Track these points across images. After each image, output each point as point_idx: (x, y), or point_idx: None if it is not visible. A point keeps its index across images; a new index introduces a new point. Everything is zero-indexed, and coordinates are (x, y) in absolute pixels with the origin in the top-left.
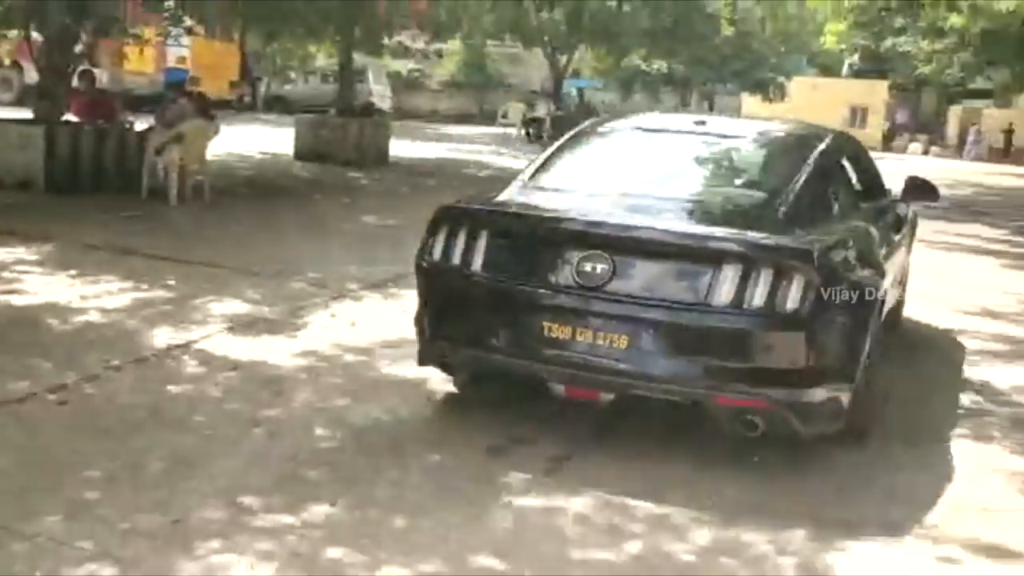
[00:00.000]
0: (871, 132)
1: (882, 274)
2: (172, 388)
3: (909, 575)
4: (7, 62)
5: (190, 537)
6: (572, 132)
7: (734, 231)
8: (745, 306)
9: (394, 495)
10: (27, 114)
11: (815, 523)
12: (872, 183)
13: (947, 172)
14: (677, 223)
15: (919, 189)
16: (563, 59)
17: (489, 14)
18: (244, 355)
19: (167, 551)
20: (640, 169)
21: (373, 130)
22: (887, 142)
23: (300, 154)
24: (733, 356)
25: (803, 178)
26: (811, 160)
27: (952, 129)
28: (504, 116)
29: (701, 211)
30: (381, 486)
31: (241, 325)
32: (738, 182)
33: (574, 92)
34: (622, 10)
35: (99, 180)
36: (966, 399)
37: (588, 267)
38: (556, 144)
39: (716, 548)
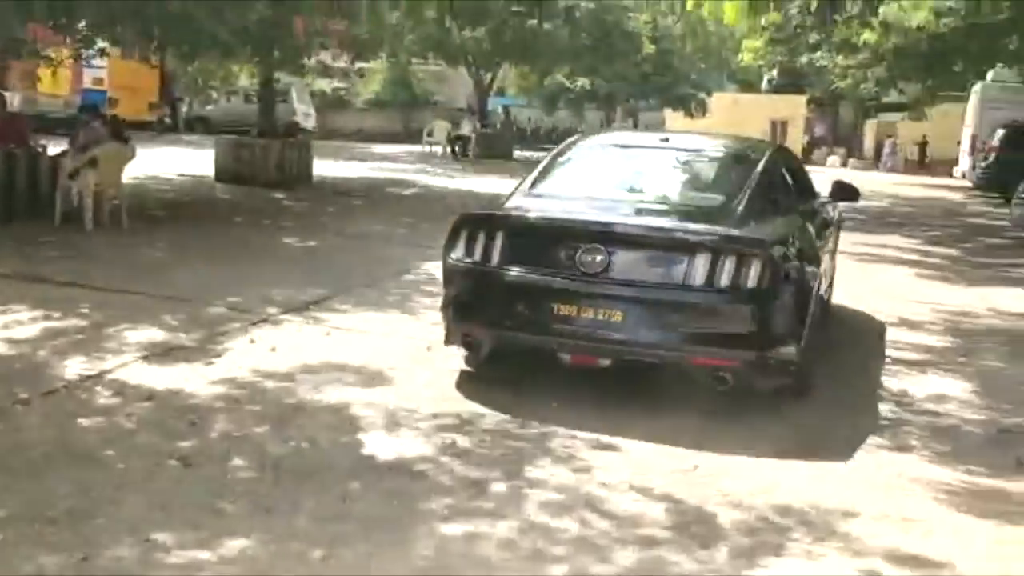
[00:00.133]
0: (791, 145)
1: (819, 260)
2: (83, 421)
3: None
4: None
5: None
6: (557, 149)
7: (704, 226)
8: (715, 285)
9: (314, 526)
10: None
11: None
12: (805, 187)
13: (864, 183)
14: (658, 221)
15: (843, 191)
16: (487, 77)
17: (411, 33)
18: (160, 384)
19: None
20: (620, 178)
21: (295, 150)
22: (807, 155)
23: (221, 176)
24: (707, 325)
25: (753, 183)
26: (758, 169)
27: (869, 141)
28: (429, 134)
29: (675, 211)
30: (300, 517)
31: (157, 353)
32: (702, 187)
33: (500, 109)
34: (543, 29)
35: (10, 206)
36: (885, 409)
37: (588, 258)
38: (546, 159)
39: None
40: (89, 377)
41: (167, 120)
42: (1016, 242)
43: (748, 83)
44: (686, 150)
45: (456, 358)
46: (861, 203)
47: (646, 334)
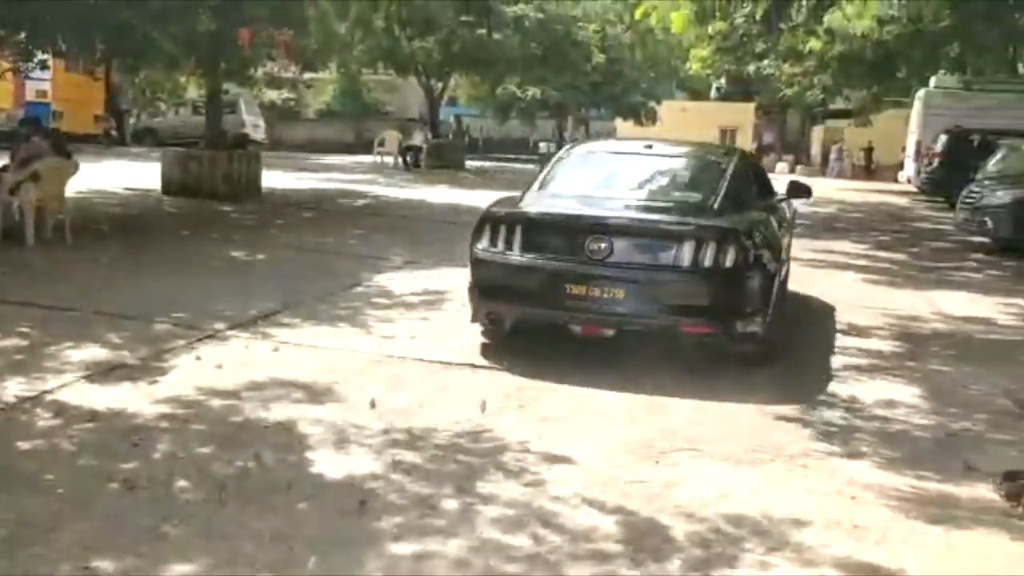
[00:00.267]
0: None
1: (780, 247)
2: (22, 444)
3: None
4: None
5: None
6: (558, 155)
7: (688, 219)
8: (699, 266)
9: (260, 549)
10: None
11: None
12: (766, 186)
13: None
14: (650, 215)
15: (798, 189)
16: (438, 87)
17: (361, 43)
18: (102, 404)
19: None
20: (615, 179)
21: (244, 162)
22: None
23: (168, 189)
24: (693, 299)
25: (725, 183)
26: (729, 171)
27: (816, 148)
28: (380, 144)
29: (664, 206)
30: (246, 540)
31: (100, 372)
32: (683, 187)
33: (452, 119)
34: (493, 39)
35: None
36: (835, 415)
37: (594, 246)
38: (550, 163)
39: None
40: (28, 399)
41: (113, 133)
42: (960, 246)
43: (697, 91)
44: (667, 155)
45: (405, 372)
46: (809, 209)
47: (643, 308)
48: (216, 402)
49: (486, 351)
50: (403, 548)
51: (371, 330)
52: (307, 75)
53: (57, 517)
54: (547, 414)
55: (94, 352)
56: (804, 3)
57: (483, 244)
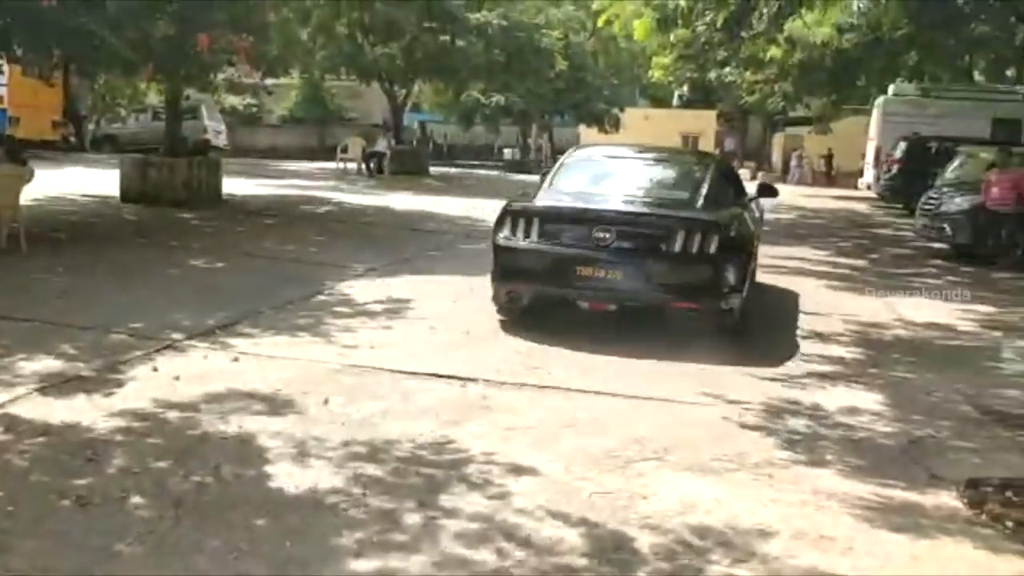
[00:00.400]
0: None
1: (752, 238)
2: None
3: None
4: None
5: None
6: (562, 160)
7: (678, 212)
8: (687, 252)
9: (217, 568)
10: None
11: None
12: (739, 187)
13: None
14: (647, 209)
15: (766, 190)
16: (401, 93)
17: (323, 50)
18: (55, 418)
19: None
20: (614, 179)
21: (204, 168)
22: None
23: (127, 196)
24: (682, 280)
25: (707, 183)
26: (709, 173)
27: (776, 155)
28: (343, 151)
29: (656, 202)
30: (202, 558)
31: (54, 384)
32: (672, 186)
33: (416, 125)
34: (456, 45)
35: None
36: (799, 423)
37: (600, 234)
38: (556, 166)
39: None
40: None
41: (72, 139)
42: (920, 252)
43: (659, 99)
44: (655, 160)
45: (367, 382)
46: (770, 216)
47: (641, 287)
48: (173, 415)
49: (448, 361)
50: (364, 565)
51: (332, 339)
52: (269, 81)
53: (7, 536)
54: (512, 423)
55: (48, 364)
56: (765, 11)
57: (504, 233)
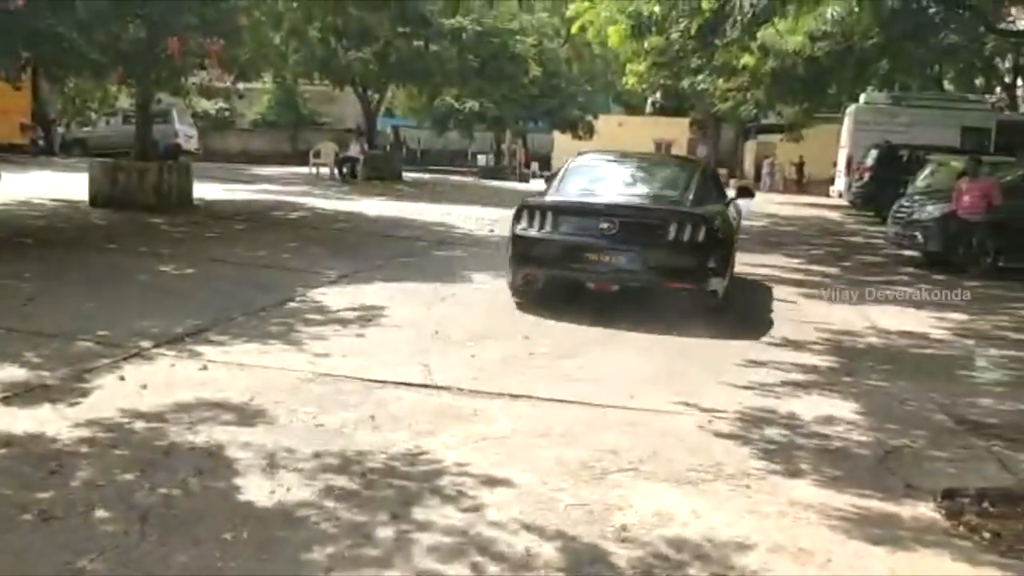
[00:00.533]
0: None
1: (734, 231)
2: None
3: None
4: None
5: None
6: (568, 162)
7: (672, 207)
8: (680, 240)
9: None
10: None
11: None
12: (721, 188)
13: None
14: (645, 203)
15: (744, 191)
16: (375, 98)
17: (296, 54)
18: (18, 428)
19: None
20: (615, 179)
21: (175, 173)
22: None
23: (96, 201)
24: (675, 264)
25: (695, 183)
26: (697, 174)
27: (748, 162)
28: (316, 156)
29: (652, 198)
30: (171, 574)
31: (16, 394)
32: (664, 185)
33: (389, 130)
34: (430, 50)
35: None
36: (775, 433)
37: (604, 225)
38: (563, 167)
39: None
40: None
41: (41, 143)
42: (892, 260)
43: (632, 106)
44: (650, 163)
45: (339, 391)
46: (744, 223)
47: (640, 270)
48: (140, 425)
49: (422, 369)
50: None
51: (304, 347)
52: (241, 85)
53: None
54: (485, 433)
55: (11, 372)
56: (738, 20)
57: (522, 225)
